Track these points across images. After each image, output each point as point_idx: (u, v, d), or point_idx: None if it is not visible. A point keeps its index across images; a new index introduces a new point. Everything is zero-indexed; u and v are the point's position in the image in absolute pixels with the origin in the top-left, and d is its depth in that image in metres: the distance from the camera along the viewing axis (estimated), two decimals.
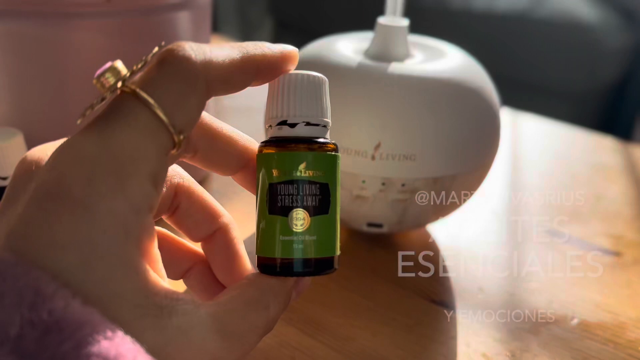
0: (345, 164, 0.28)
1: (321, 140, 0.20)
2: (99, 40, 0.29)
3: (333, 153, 0.20)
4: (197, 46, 0.17)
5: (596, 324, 0.29)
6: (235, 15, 1.98)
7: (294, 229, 0.19)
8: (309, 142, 0.19)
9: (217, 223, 0.21)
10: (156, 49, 0.18)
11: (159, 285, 0.16)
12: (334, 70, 0.29)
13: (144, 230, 0.16)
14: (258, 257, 0.20)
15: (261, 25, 2.02)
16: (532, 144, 0.50)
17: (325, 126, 0.20)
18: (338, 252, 0.20)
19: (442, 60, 0.31)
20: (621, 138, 0.52)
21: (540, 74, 1.27)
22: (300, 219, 0.19)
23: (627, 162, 0.47)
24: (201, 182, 0.39)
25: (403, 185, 0.28)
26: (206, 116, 0.19)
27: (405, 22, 0.31)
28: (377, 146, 0.28)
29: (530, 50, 1.27)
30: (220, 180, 0.40)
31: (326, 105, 0.20)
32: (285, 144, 0.19)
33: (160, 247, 0.21)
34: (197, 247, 0.22)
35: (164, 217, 0.21)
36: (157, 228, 0.21)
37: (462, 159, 0.29)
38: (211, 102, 0.40)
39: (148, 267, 0.16)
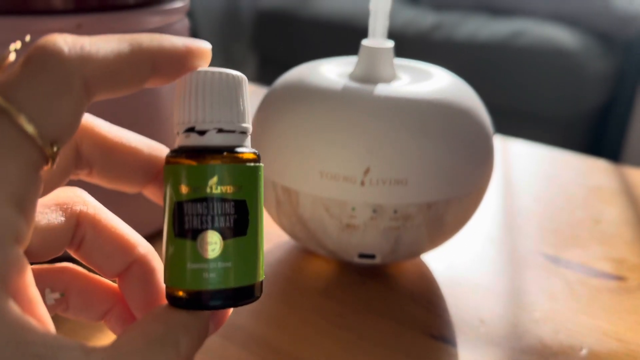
0: (333, 191, 0.27)
1: (238, 149, 0.17)
2: None
3: (252, 164, 0.17)
4: (73, 39, 0.14)
5: (606, 353, 0.27)
6: (219, 51, 2.00)
7: (205, 255, 0.16)
8: (222, 153, 0.16)
9: (132, 255, 0.19)
10: (17, 44, 0.15)
11: (36, 332, 0.13)
12: (317, 94, 0.28)
13: (10, 266, 0.13)
14: (166, 287, 0.17)
15: (245, 61, 2.04)
16: (524, 168, 0.49)
17: (243, 132, 0.17)
18: (261, 278, 0.17)
19: (430, 81, 0.30)
20: (610, 161, 0.51)
21: (525, 101, 1.28)
22: (212, 243, 0.16)
23: (622, 184, 0.46)
24: None
25: (395, 211, 0.27)
26: (100, 124, 0.17)
27: (390, 44, 0.30)
28: (366, 171, 0.26)
29: (514, 78, 1.28)
30: None
31: (244, 108, 0.17)
32: (193, 154, 0.16)
33: (72, 288, 0.18)
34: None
35: (70, 252, 0.18)
36: (70, 265, 0.19)
37: (456, 182, 0.27)
38: None
39: (19, 311, 0.13)
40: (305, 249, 0.34)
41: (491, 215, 0.40)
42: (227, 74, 0.17)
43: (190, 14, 1.98)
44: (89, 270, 0.19)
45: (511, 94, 1.29)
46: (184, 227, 0.16)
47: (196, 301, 0.16)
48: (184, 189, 0.16)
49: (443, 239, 0.30)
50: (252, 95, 0.65)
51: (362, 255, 0.30)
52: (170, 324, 0.16)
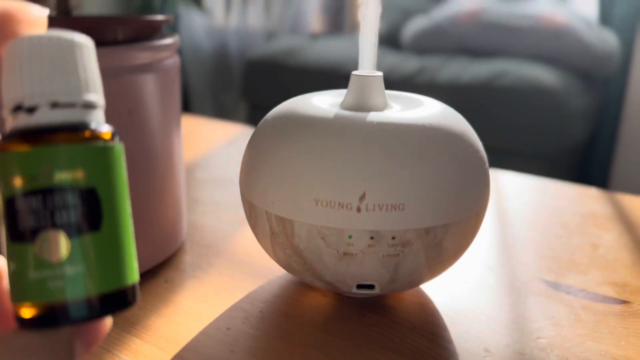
0: (329, 218, 0.26)
1: (80, 126, 0.14)
2: None
3: (102, 144, 0.14)
4: None
5: None
6: (210, 99, 2.02)
7: (49, 259, 0.13)
8: (59, 132, 0.13)
9: None
10: None
11: None
12: (310, 122, 0.28)
13: None
14: (13, 306, 0.14)
15: (236, 110, 2.06)
16: (516, 198, 0.48)
17: (89, 106, 0.14)
18: (132, 280, 0.14)
19: (422, 108, 0.30)
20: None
21: (509, 139, 1.30)
22: (55, 244, 0.13)
23: (615, 210, 0.46)
24: (174, 254, 0.36)
25: (393, 238, 0.26)
26: None
27: (379, 73, 0.30)
28: (362, 197, 0.26)
29: (497, 117, 1.30)
30: (194, 251, 0.37)
31: (86, 76, 0.14)
32: (23, 137, 0.13)
33: None
34: None
35: None
36: None
37: (453, 206, 0.27)
38: (180, 175, 0.37)
39: None
40: (302, 283, 0.34)
41: (487, 245, 0.39)
42: (59, 37, 0.14)
43: (181, 66, 2.01)
44: None
45: (495, 133, 1.31)
46: (19, 228, 0.13)
47: (47, 318, 0.13)
48: (16, 181, 0.13)
49: (442, 266, 0.29)
50: (244, 136, 0.65)
51: (360, 286, 0.29)
52: (14, 351, 0.13)
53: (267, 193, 0.28)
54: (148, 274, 0.34)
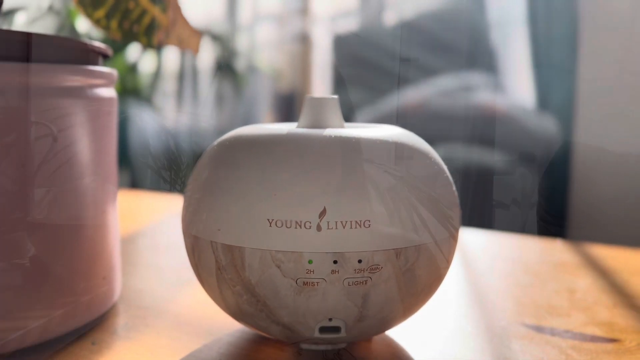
0: (284, 241, 0.23)
1: None
2: None
3: None
4: None
5: None
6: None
7: None
8: None
9: None
10: None
11: None
12: (259, 141, 0.25)
13: None
14: None
15: None
16: (482, 252, 0.46)
17: None
18: None
19: (381, 128, 0.28)
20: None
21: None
22: None
23: (585, 259, 0.44)
24: (107, 312, 0.31)
25: (360, 261, 0.23)
26: None
27: (335, 96, 0.28)
28: (322, 213, 0.22)
29: None
30: (129, 312, 0.32)
31: None
32: None
33: None
34: None
35: None
36: None
37: (425, 225, 0.24)
38: (130, 244, 0.33)
39: None
40: (255, 337, 0.29)
41: (458, 293, 0.36)
42: None
43: (131, 166, 1.99)
44: None
45: None
46: None
47: None
48: None
49: (416, 300, 0.25)
50: None
51: (323, 329, 0.24)
52: None
53: (212, 220, 0.24)
54: (71, 336, 0.28)
